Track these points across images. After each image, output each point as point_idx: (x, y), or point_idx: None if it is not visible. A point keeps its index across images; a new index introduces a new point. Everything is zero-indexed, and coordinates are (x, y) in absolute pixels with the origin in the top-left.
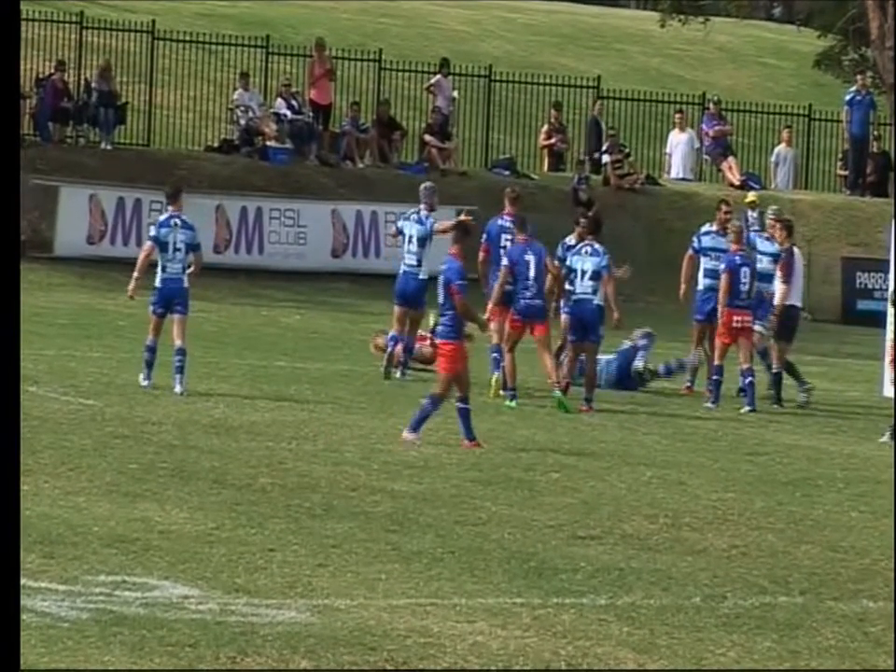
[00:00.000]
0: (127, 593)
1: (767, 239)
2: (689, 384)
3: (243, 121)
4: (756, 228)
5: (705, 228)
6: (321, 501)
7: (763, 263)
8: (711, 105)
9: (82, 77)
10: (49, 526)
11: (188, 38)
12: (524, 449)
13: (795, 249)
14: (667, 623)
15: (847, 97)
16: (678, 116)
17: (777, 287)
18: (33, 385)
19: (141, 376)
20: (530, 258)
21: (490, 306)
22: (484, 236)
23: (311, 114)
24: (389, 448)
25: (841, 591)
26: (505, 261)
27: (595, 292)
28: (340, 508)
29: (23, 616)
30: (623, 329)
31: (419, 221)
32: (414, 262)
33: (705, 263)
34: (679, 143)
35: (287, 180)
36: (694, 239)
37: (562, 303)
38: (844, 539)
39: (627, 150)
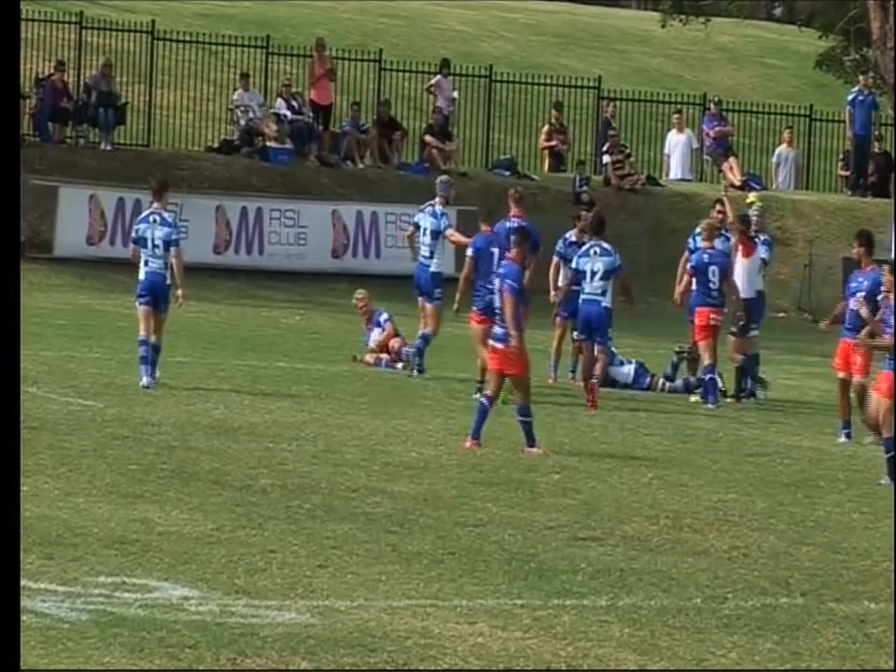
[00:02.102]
0: (127, 594)
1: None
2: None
3: (243, 122)
4: (756, 229)
5: (699, 228)
6: (321, 502)
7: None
8: (712, 106)
9: (82, 77)
10: (49, 527)
11: (188, 38)
12: (524, 450)
13: (756, 243)
14: (668, 624)
15: (850, 97)
16: (676, 116)
17: (737, 280)
18: (32, 385)
19: (142, 378)
20: (495, 250)
21: (458, 296)
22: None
23: (311, 114)
24: (390, 449)
25: (842, 592)
26: (470, 251)
27: (603, 293)
28: (340, 509)
29: (23, 617)
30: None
31: (433, 214)
32: (427, 254)
33: None
34: (677, 143)
35: (288, 181)
36: (690, 240)
37: (560, 308)
38: (845, 540)
39: (628, 151)
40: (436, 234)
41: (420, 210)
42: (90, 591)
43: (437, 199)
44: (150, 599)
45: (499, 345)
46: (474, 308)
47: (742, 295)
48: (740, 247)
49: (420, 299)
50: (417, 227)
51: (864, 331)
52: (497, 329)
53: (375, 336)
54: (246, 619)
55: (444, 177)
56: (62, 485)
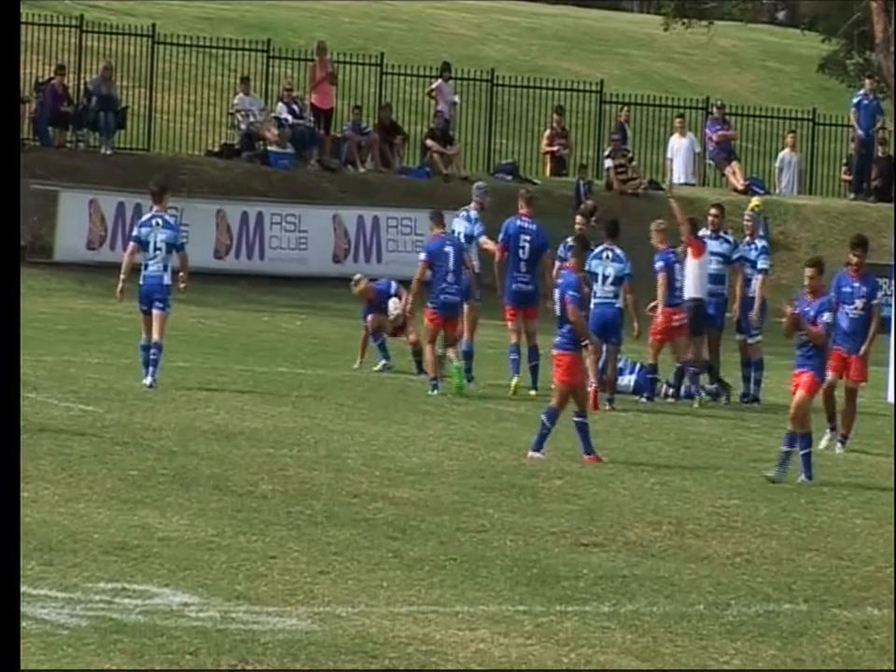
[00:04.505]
0: (127, 600)
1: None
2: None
3: (243, 126)
4: (760, 233)
5: (699, 232)
6: (322, 508)
7: (713, 264)
8: (715, 110)
9: (82, 81)
10: (49, 533)
11: (188, 42)
12: (528, 453)
13: (706, 243)
14: (671, 630)
15: (855, 100)
16: (678, 120)
17: (688, 281)
18: (32, 391)
19: (146, 378)
20: (449, 249)
21: (407, 301)
22: (501, 236)
23: (312, 118)
24: (391, 455)
25: (845, 598)
26: (423, 255)
27: (616, 296)
28: (341, 515)
29: (23, 623)
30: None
31: (467, 219)
32: None
33: None
34: (679, 148)
35: (289, 185)
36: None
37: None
38: (848, 546)
39: (630, 155)
40: (470, 238)
41: (455, 215)
42: (90, 597)
43: (472, 204)
44: (151, 605)
45: (554, 352)
46: (430, 306)
47: (693, 295)
48: (690, 249)
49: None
50: (452, 232)
51: (787, 322)
52: (556, 338)
53: (393, 306)
54: (247, 625)
55: (480, 183)
56: (62, 491)
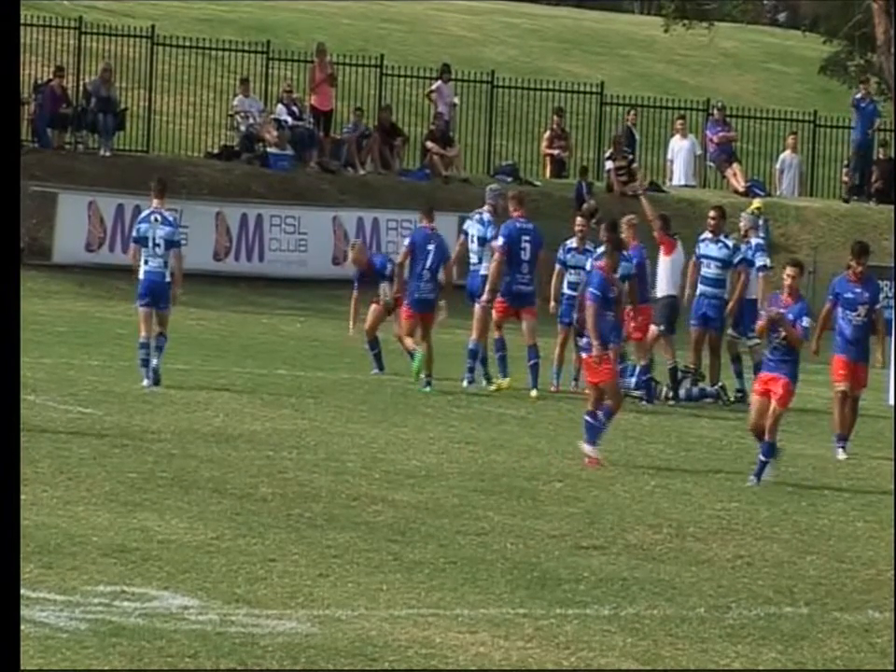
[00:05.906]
0: (126, 603)
1: (714, 242)
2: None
3: (243, 127)
4: (762, 234)
5: (702, 235)
6: (322, 511)
7: (711, 268)
8: (716, 111)
9: (81, 82)
10: (48, 536)
11: (187, 44)
12: (526, 458)
13: (677, 240)
14: (671, 633)
15: (857, 96)
16: (679, 122)
17: (659, 279)
18: (31, 393)
19: (143, 380)
20: (431, 247)
21: (392, 291)
22: (503, 239)
23: (312, 120)
24: (391, 457)
25: (847, 601)
26: (407, 241)
27: None
28: (341, 518)
29: (21, 626)
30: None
31: (480, 222)
32: (476, 260)
33: (700, 269)
34: (680, 149)
35: (288, 187)
36: (699, 245)
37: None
38: (850, 549)
39: (631, 157)
40: (483, 241)
41: (469, 218)
42: (89, 600)
43: (486, 207)
44: (150, 608)
45: (583, 354)
46: (406, 303)
47: (667, 293)
48: (661, 246)
49: (473, 305)
50: (466, 234)
51: (763, 323)
52: (584, 339)
53: (383, 293)
54: (247, 628)
55: (494, 186)
56: (60, 494)
